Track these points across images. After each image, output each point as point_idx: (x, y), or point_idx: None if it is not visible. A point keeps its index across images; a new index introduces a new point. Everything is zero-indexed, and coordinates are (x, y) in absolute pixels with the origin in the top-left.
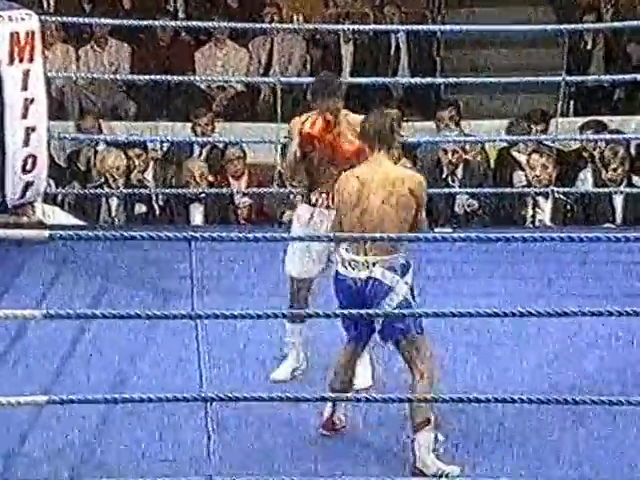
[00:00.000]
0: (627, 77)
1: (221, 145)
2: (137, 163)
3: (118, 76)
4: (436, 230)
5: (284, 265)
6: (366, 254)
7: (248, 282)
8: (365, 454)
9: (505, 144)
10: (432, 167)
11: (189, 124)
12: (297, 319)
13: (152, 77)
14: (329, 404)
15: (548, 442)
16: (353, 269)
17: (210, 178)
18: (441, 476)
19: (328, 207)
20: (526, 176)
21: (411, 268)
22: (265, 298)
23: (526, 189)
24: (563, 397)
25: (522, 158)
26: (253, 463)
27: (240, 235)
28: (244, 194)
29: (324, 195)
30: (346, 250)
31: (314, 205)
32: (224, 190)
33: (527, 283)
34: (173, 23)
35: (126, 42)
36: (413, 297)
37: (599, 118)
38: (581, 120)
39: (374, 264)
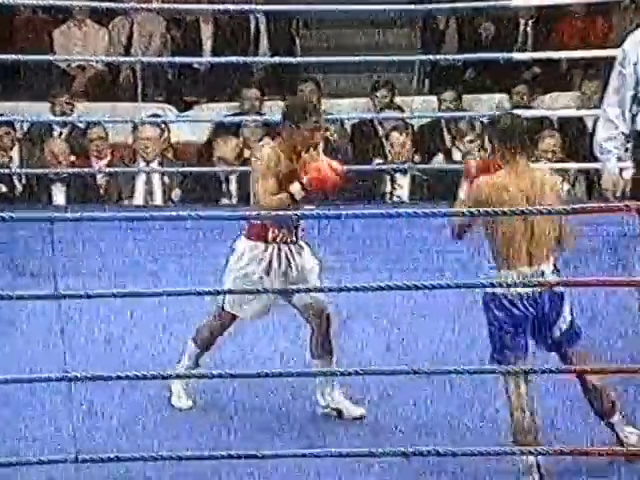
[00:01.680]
0: (479, 56)
1: (82, 125)
2: (5, 141)
3: None
4: None
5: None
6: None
7: (111, 262)
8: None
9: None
10: None
11: (48, 104)
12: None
13: (10, 56)
14: None
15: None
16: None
17: (72, 158)
18: None
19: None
20: (385, 153)
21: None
22: (128, 278)
23: (383, 166)
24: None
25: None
26: (118, 441)
27: (103, 215)
28: (106, 174)
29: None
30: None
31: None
32: (86, 170)
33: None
34: (31, 1)
35: None
36: None
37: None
38: (435, 98)
39: (543, 273)
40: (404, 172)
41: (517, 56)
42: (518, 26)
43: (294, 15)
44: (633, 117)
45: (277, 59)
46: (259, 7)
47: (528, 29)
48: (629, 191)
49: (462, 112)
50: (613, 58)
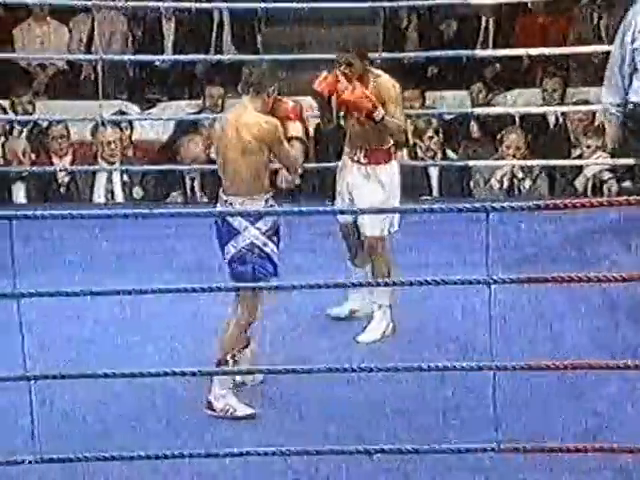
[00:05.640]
0: (440, 54)
1: (44, 123)
2: None
3: None
4: None
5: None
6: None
7: (71, 260)
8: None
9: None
10: None
11: (8, 101)
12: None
13: None
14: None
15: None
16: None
17: (32, 156)
18: None
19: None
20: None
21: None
22: (89, 275)
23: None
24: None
25: None
26: (81, 442)
27: (63, 213)
28: (67, 172)
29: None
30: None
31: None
32: (47, 168)
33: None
34: None
35: None
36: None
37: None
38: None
39: (231, 204)
40: None
41: (479, 53)
42: (480, 23)
43: (256, 12)
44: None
45: (241, 57)
46: (222, 4)
47: (489, 26)
48: None
49: (425, 110)
50: (574, 54)
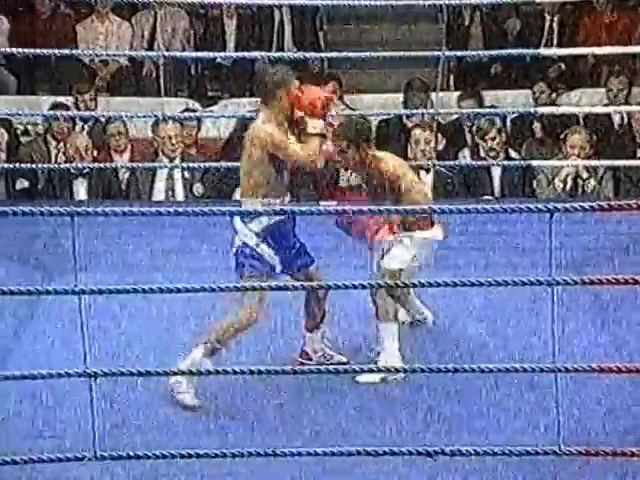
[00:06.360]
0: (504, 52)
1: (104, 120)
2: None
3: None
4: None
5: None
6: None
7: (132, 257)
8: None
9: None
10: None
11: (71, 98)
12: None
13: (33, 51)
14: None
15: None
16: None
17: (94, 153)
18: None
19: None
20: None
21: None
22: (150, 272)
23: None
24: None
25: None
26: (139, 439)
27: (124, 210)
28: (127, 169)
29: None
30: None
31: None
32: (107, 165)
33: None
34: None
35: (4, 15)
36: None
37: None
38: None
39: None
40: (427, 169)
41: (544, 52)
42: (544, 21)
43: (318, 9)
44: None
45: (302, 54)
46: (283, 1)
47: (554, 25)
48: None
49: (486, 109)
50: None
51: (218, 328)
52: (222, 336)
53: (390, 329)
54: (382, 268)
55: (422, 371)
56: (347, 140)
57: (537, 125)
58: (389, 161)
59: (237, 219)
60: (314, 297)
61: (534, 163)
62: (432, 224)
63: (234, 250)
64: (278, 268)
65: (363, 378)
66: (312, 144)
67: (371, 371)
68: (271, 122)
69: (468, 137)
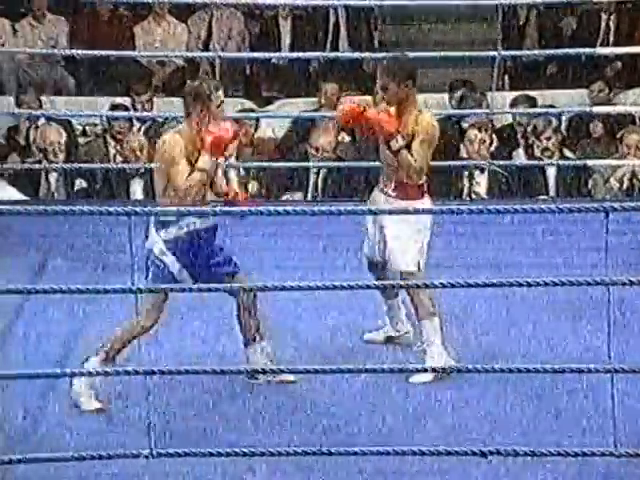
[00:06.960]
0: (560, 52)
1: (160, 120)
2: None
3: (56, 51)
4: None
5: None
6: None
7: None
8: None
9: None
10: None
11: (129, 99)
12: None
13: (91, 52)
14: None
15: None
16: None
17: (150, 152)
18: None
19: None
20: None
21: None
22: None
23: (464, 162)
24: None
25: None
26: (194, 438)
27: (181, 209)
28: None
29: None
30: None
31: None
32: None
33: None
34: None
35: (64, 16)
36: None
37: (532, 92)
38: (516, 94)
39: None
40: (482, 169)
41: (600, 51)
42: (600, 20)
43: (372, 9)
44: None
45: (357, 54)
46: (338, 2)
47: (610, 23)
48: None
49: (542, 109)
50: None
51: (114, 336)
52: (117, 343)
53: (433, 325)
54: (396, 271)
55: (468, 371)
56: (391, 75)
57: (597, 125)
58: (429, 118)
59: (153, 222)
60: (243, 307)
61: (590, 163)
62: (423, 195)
63: (145, 252)
64: (181, 278)
65: (416, 378)
66: (195, 176)
67: (424, 370)
68: (183, 134)
69: (521, 138)
